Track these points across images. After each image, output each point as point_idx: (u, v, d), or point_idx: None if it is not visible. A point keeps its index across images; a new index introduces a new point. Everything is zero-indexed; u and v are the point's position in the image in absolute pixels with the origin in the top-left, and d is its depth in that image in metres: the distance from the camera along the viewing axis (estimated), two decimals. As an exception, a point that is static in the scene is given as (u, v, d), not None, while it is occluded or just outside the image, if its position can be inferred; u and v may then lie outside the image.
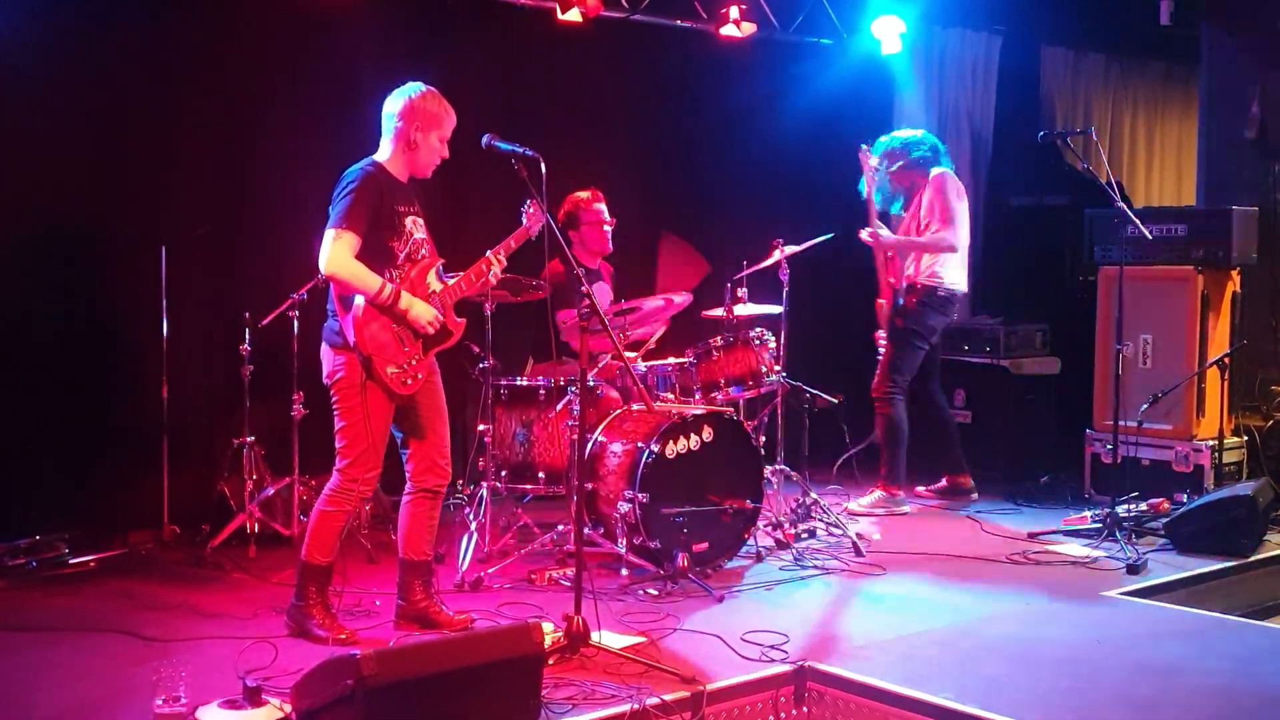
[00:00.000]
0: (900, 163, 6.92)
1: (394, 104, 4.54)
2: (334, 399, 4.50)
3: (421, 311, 4.47)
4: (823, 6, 8.08)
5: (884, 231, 6.86)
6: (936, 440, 7.16)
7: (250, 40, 6.34)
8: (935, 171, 6.89)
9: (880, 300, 7.01)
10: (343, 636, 4.42)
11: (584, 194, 6.29)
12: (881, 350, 6.99)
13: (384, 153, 4.56)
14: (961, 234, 6.83)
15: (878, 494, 6.89)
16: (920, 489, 7.20)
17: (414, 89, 4.55)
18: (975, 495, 7.09)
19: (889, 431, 6.89)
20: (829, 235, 6.31)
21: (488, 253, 4.70)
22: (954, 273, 6.88)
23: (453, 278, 4.69)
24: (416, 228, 4.59)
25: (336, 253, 4.34)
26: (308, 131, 6.51)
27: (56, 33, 5.79)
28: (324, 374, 4.54)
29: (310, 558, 4.52)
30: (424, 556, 4.66)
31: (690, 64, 7.93)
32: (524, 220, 4.90)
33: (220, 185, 6.36)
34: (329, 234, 4.37)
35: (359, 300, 4.38)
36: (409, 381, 4.48)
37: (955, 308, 7.06)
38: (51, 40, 5.78)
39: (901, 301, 6.89)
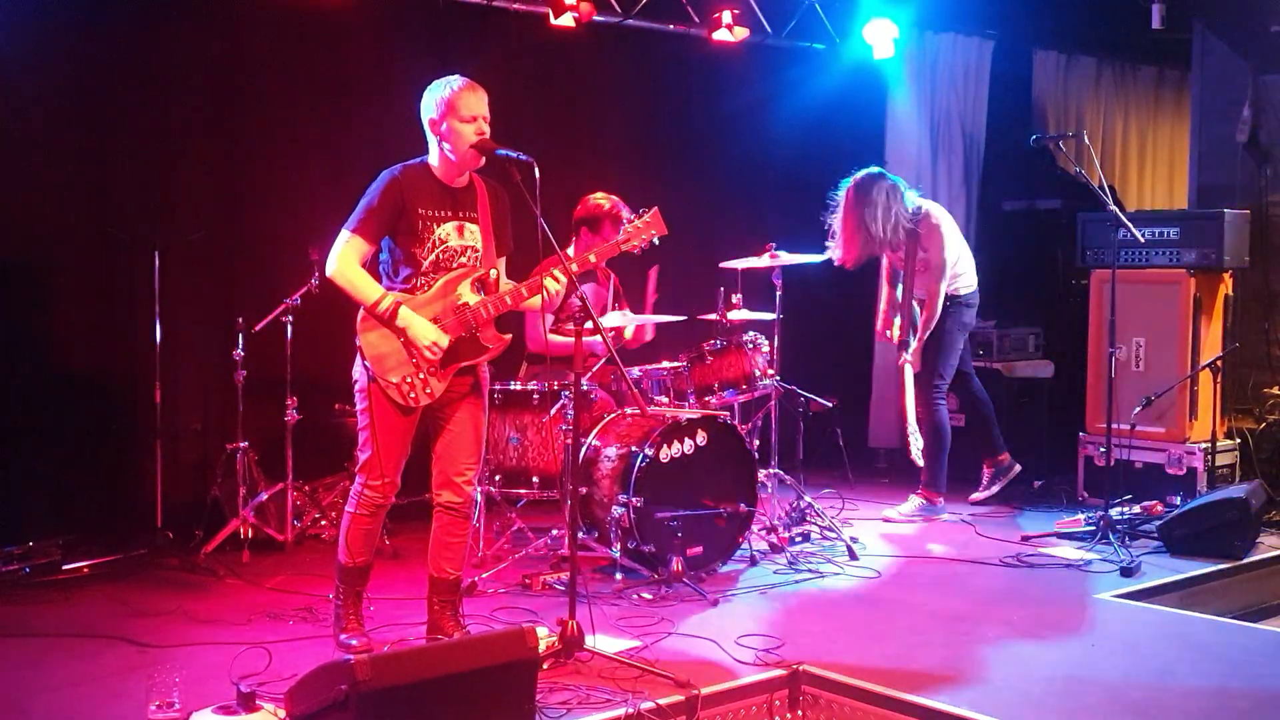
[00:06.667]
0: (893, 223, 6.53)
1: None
2: (355, 402, 4.45)
3: (420, 333, 4.24)
4: (815, 11, 8.08)
5: (909, 354, 6.69)
6: (979, 430, 7.05)
7: (245, 44, 6.35)
8: (929, 211, 6.63)
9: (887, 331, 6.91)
10: (354, 643, 4.39)
11: (606, 203, 6.05)
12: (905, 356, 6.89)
13: (432, 157, 4.40)
14: (950, 269, 6.65)
15: (917, 501, 6.76)
16: (975, 495, 7.02)
17: (428, 89, 4.37)
18: (1018, 467, 6.99)
19: (932, 437, 6.72)
20: (825, 257, 6.28)
21: (553, 269, 4.34)
22: (966, 278, 6.74)
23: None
24: (458, 234, 4.36)
25: (337, 257, 4.27)
26: (302, 136, 6.53)
27: (49, 36, 5.79)
28: None
29: (338, 556, 4.50)
30: (442, 574, 4.50)
31: (683, 69, 7.94)
32: (624, 229, 4.59)
33: (214, 190, 6.37)
34: (340, 236, 4.30)
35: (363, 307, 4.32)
36: (413, 395, 4.30)
37: (976, 304, 6.90)
38: (44, 43, 5.78)
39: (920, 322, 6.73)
